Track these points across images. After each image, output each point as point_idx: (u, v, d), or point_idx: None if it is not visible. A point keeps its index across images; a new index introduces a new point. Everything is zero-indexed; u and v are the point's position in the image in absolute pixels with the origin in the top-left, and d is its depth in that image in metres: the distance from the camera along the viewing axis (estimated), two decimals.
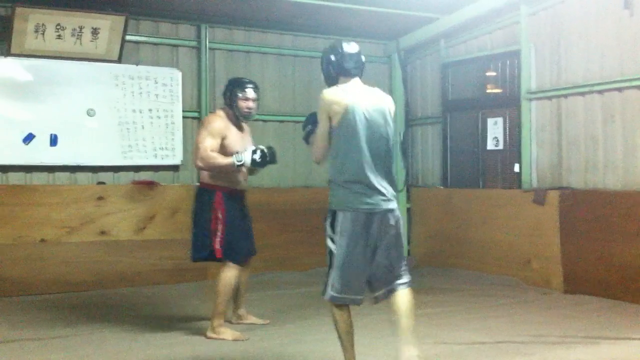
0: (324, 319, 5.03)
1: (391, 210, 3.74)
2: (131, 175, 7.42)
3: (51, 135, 6.96)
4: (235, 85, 5.08)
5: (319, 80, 8.36)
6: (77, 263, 6.77)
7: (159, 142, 7.53)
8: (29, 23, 6.76)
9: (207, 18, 7.81)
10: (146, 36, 7.63)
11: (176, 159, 7.63)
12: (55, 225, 6.73)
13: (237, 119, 5.03)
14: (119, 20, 7.13)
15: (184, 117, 7.69)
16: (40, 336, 4.93)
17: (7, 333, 5.01)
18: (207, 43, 7.90)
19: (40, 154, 6.90)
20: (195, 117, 7.82)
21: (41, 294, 6.48)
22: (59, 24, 6.92)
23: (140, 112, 7.46)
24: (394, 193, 3.81)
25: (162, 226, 7.22)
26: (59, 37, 6.97)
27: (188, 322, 5.41)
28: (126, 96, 7.40)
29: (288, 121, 8.40)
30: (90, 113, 7.18)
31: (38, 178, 6.99)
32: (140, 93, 7.47)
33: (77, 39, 7.08)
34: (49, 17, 6.84)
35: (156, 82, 7.55)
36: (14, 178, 6.90)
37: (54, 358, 4.37)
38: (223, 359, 4.40)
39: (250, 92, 5.02)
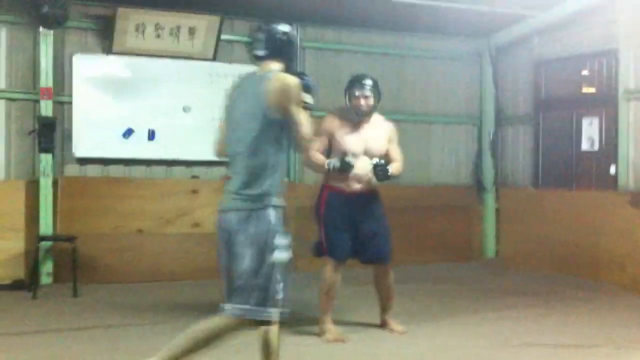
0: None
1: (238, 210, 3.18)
2: (223, 170, 7.63)
3: (149, 130, 7.28)
4: (349, 84, 5.01)
5: (409, 78, 8.58)
6: (171, 253, 7.05)
7: None
8: (130, 23, 7.08)
9: (299, 17, 7.93)
10: (240, 35, 7.83)
11: None
12: (151, 216, 7.04)
13: (356, 116, 4.88)
14: (215, 20, 7.38)
15: None
16: (143, 322, 5.18)
17: (111, 318, 5.28)
18: (300, 41, 8.05)
19: (138, 148, 7.23)
20: None
21: (138, 281, 6.78)
22: (158, 24, 7.22)
23: None
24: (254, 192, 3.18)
25: None
26: (157, 36, 7.27)
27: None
28: (220, 93, 7.56)
29: None
30: (186, 109, 7.45)
31: (136, 171, 7.32)
32: None
33: (175, 38, 7.35)
34: (149, 17, 7.14)
35: None
36: (114, 171, 7.25)
37: (158, 341, 4.57)
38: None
39: (360, 90, 4.87)
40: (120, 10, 6.97)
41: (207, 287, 6.72)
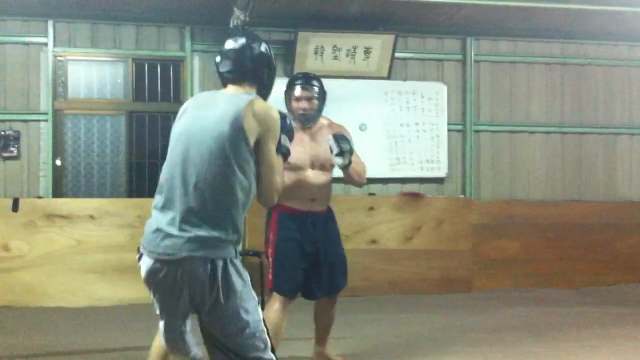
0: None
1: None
2: (399, 187, 7.72)
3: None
4: (288, 84, 4.12)
5: (590, 88, 8.19)
6: (350, 269, 7.16)
7: (425, 155, 7.74)
8: (309, 46, 7.39)
9: (473, 31, 7.85)
10: (413, 52, 7.88)
11: (441, 171, 7.78)
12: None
13: (298, 123, 3.95)
14: (389, 38, 7.49)
15: (448, 130, 7.82)
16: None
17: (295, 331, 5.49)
18: (473, 55, 7.96)
19: None
20: (459, 130, 7.91)
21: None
22: (335, 45, 7.46)
23: (408, 125, 7.73)
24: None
25: (428, 237, 7.39)
26: (335, 57, 7.51)
27: (450, 332, 5.47)
28: (395, 111, 7.72)
29: (555, 132, 8.14)
30: (362, 127, 7.61)
31: None
32: (408, 107, 7.74)
33: (351, 58, 7.56)
34: (327, 40, 7.40)
35: (422, 97, 7.77)
36: None
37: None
38: None
39: (301, 90, 3.98)
40: (301, 35, 7.30)
41: (385, 302, 6.82)
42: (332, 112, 7.60)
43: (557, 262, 7.59)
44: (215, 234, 2.57)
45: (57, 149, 7.03)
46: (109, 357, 4.72)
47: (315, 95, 4.00)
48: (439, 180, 7.83)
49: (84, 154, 7.21)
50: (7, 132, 6.77)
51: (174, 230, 2.59)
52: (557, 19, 7.44)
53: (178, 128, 2.73)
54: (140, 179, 7.25)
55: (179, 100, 7.34)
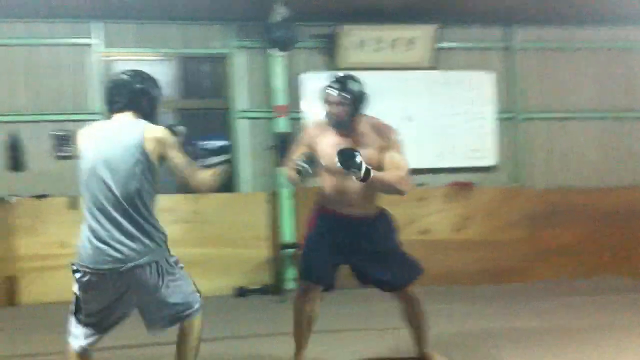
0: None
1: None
2: (448, 177, 7.64)
3: None
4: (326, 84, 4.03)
5: (638, 74, 8.02)
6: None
7: (473, 145, 7.65)
8: (352, 39, 7.36)
9: (517, 18, 7.75)
10: (457, 42, 7.80)
11: (490, 160, 7.69)
12: None
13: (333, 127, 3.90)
14: (432, 29, 7.44)
15: (496, 119, 7.73)
16: (372, 327, 5.29)
17: (342, 323, 5.45)
18: (518, 43, 7.85)
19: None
20: (508, 119, 7.81)
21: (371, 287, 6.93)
22: (377, 38, 7.42)
23: (454, 116, 7.65)
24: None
25: (479, 227, 7.30)
26: (378, 49, 7.47)
27: (505, 322, 5.37)
28: (440, 101, 7.65)
29: (606, 118, 8.00)
30: (408, 119, 7.56)
31: None
32: (454, 98, 7.66)
33: (394, 50, 7.52)
34: (370, 32, 7.37)
35: (469, 86, 7.69)
36: None
37: (389, 347, 4.67)
38: None
39: (328, 95, 3.86)
40: (343, 28, 7.28)
41: (436, 294, 6.73)
42: (377, 105, 7.61)
43: (614, 250, 7.44)
44: (146, 241, 3.19)
45: None
46: (167, 351, 4.74)
47: (346, 101, 3.79)
48: (488, 170, 7.73)
49: None
50: (60, 133, 6.87)
51: (111, 246, 3.15)
52: (603, 3, 7.30)
53: (89, 160, 3.25)
54: None
55: (224, 97, 7.38)
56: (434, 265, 7.14)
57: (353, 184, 3.75)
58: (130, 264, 3.15)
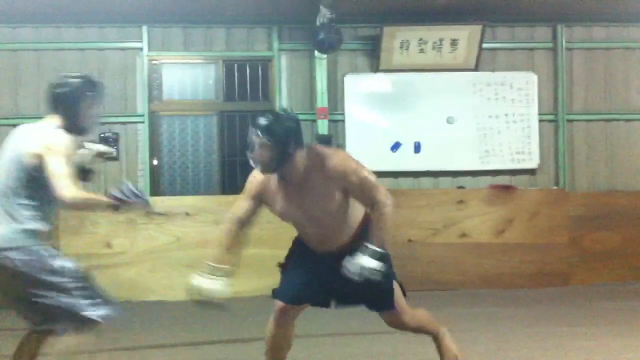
0: None
1: None
2: (489, 179, 7.59)
3: (415, 143, 7.49)
4: None
5: None
6: (442, 263, 7.16)
7: (515, 147, 7.59)
8: (395, 40, 7.38)
9: (563, 18, 7.64)
10: (501, 42, 7.74)
11: (533, 162, 7.62)
12: (421, 226, 7.21)
13: (285, 173, 3.26)
14: (477, 29, 7.39)
15: (540, 121, 7.64)
16: None
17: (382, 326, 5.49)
18: (564, 43, 7.74)
19: (406, 161, 7.47)
20: (551, 120, 7.71)
21: (409, 290, 6.95)
22: (421, 39, 7.42)
23: (497, 117, 7.59)
24: None
25: (521, 230, 7.24)
26: (421, 50, 7.47)
27: (546, 326, 5.32)
28: (483, 102, 7.60)
29: None
30: (450, 120, 7.54)
31: (404, 183, 7.56)
32: (497, 99, 7.61)
33: (438, 51, 7.50)
34: (413, 33, 7.38)
35: (512, 87, 7.62)
36: (384, 183, 7.54)
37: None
38: None
39: (251, 137, 3.21)
40: (386, 30, 7.30)
41: (476, 297, 6.74)
42: (420, 107, 7.68)
43: None
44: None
45: (154, 149, 7.32)
46: (211, 349, 4.87)
47: (269, 143, 3.13)
48: (530, 172, 7.66)
49: (178, 153, 7.47)
50: (107, 134, 7.09)
51: None
52: None
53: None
54: (233, 176, 7.43)
55: (268, 99, 7.49)
56: (473, 269, 7.18)
57: (319, 230, 3.33)
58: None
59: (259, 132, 3.16)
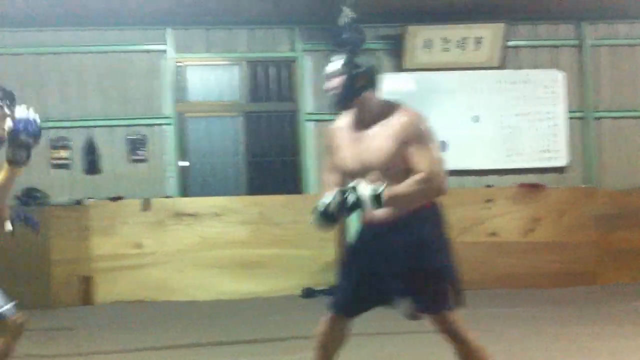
0: None
1: None
2: (516, 178, 7.53)
3: (441, 142, 7.43)
4: None
5: None
6: (469, 262, 7.04)
7: (542, 145, 7.53)
8: (418, 39, 7.36)
9: (587, 15, 7.58)
10: (525, 40, 7.69)
11: (561, 161, 7.55)
12: (453, 226, 7.14)
13: (356, 117, 3.16)
14: (500, 27, 7.36)
15: (567, 118, 7.57)
16: None
17: (410, 325, 5.45)
18: (589, 40, 7.68)
19: None
20: (579, 118, 7.66)
21: None
22: (444, 38, 7.39)
23: (523, 115, 7.54)
24: None
25: (549, 229, 7.18)
26: (445, 49, 7.44)
27: (574, 326, 5.25)
28: (508, 101, 7.55)
29: None
30: (475, 119, 7.50)
31: None
32: (522, 97, 7.55)
33: (462, 49, 7.47)
34: (436, 32, 7.35)
35: (537, 85, 7.57)
36: None
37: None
38: None
39: (327, 69, 3.21)
40: (410, 29, 7.29)
41: (504, 296, 6.68)
42: (445, 105, 7.64)
43: None
44: None
45: (181, 150, 7.34)
46: (237, 350, 4.88)
47: (343, 71, 3.12)
48: (558, 170, 7.59)
49: (206, 154, 7.48)
50: (135, 137, 7.13)
51: None
52: None
53: None
54: (259, 177, 7.44)
55: (292, 100, 7.49)
56: (501, 268, 7.12)
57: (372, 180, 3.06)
58: None
59: (336, 61, 3.15)
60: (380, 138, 3.04)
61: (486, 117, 7.51)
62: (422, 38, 7.35)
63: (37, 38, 7.19)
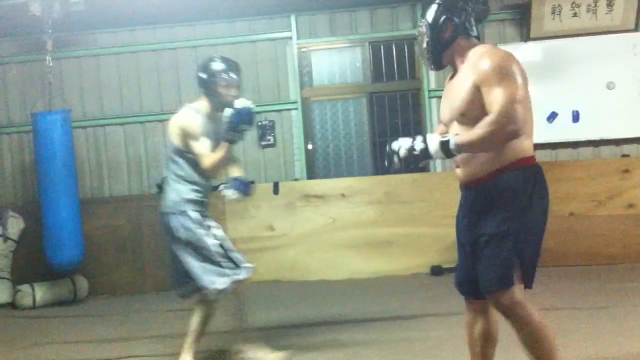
0: None
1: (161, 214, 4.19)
2: None
3: (573, 111, 7.16)
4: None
5: None
6: (605, 236, 6.81)
7: None
8: (545, 6, 7.08)
9: None
10: None
11: None
12: (582, 199, 6.90)
13: (454, 67, 3.06)
14: None
15: None
16: (580, 305, 5.15)
17: (549, 301, 5.37)
18: None
19: (563, 131, 7.16)
20: None
21: (573, 265, 6.73)
22: (573, 2, 7.06)
23: None
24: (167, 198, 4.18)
25: None
26: (574, 15, 7.11)
27: None
28: None
29: None
30: (609, 86, 7.13)
31: (563, 154, 7.27)
32: None
33: (592, 14, 7.10)
34: None
35: None
36: (540, 155, 7.29)
37: (603, 326, 4.53)
38: None
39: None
40: None
41: None
42: (578, 73, 7.32)
43: None
44: None
45: (308, 134, 7.55)
46: (370, 326, 5.01)
47: (424, 28, 3.00)
48: None
49: (331, 137, 7.65)
50: (264, 123, 7.42)
51: None
52: None
53: None
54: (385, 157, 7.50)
55: (415, 78, 7.47)
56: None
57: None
58: None
59: (420, 20, 3.04)
60: (459, 85, 2.86)
61: (622, 84, 7.11)
62: (549, 4, 7.07)
63: (173, 33, 7.64)
